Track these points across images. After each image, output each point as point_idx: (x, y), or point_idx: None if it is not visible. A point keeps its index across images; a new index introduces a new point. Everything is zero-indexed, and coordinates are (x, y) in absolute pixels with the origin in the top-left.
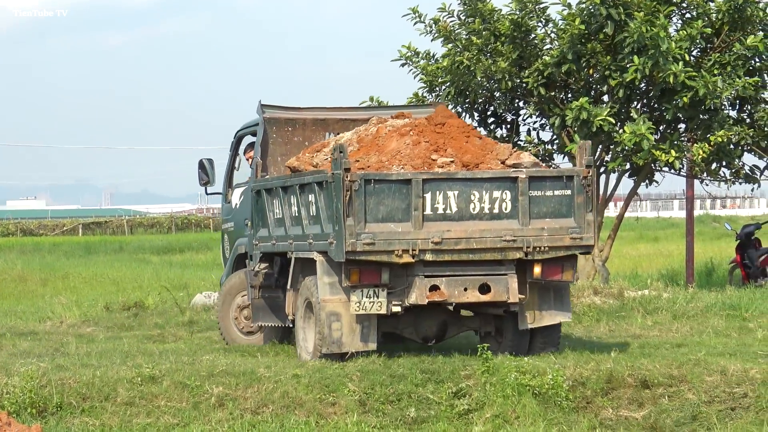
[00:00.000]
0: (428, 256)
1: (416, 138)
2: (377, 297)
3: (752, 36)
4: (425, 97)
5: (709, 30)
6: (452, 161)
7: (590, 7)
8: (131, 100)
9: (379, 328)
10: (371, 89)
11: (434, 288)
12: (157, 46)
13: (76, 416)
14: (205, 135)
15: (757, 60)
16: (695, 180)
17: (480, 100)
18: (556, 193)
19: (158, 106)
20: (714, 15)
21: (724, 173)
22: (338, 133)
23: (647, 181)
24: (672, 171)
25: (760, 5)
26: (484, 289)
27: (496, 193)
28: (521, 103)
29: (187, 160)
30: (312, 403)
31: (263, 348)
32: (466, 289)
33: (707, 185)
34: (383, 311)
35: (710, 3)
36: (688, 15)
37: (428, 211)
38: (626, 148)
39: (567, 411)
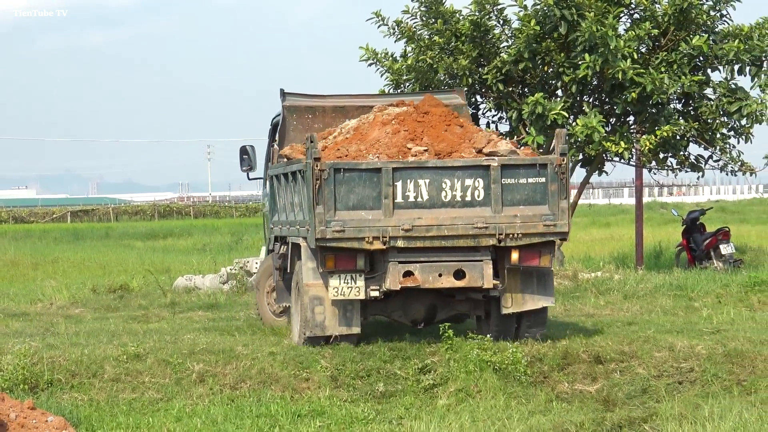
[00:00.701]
0: (399, 243)
1: (396, 127)
2: (355, 282)
3: (697, 36)
4: (391, 92)
5: (655, 31)
6: (426, 150)
7: (545, 8)
8: (115, 95)
9: (366, 311)
10: (340, 86)
11: (408, 273)
12: (140, 45)
13: (65, 392)
14: (186, 129)
15: (701, 59)
16: (644, 169)
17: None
18: (530, 180)
19: (141, 101)
20: (660, 16)
21: (670, 163)
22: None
23: (599, 170)
24: (622, 161)
25: (704, 7)
26: (459, 274)
27: (468, 181)
28: (480, 98)
29: (167, 151)
30: (287, 378)
31: (241, 326)
32: (440, 275)
33: (655, 174)
34: (361, 296)
35: (657, 5)
36: (636, 16)
37: (399, 198)
38: (579, 139)
39: (525, 385)
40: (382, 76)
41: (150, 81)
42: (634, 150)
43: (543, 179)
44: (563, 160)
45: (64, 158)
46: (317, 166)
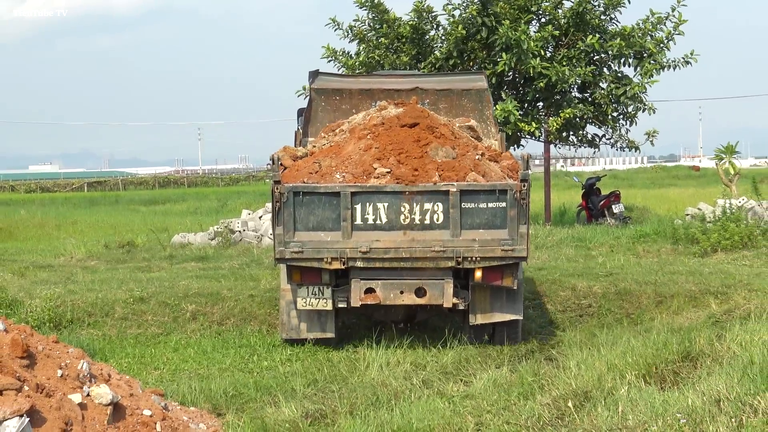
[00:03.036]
0: (359, 264)
1: (369, 143)
2: (322, 294)
3: (591, 36)
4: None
5: (557, 32)
6: (389, 172)
7: (469, 16)
8: (122, 87)
9: (347, 313)
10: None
11: (369, 290)
12: (141, 45)
13: (83, 329)
14: (180, 114)
15: (595, 54)
16: (551, 145)
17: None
18: (490, 205)
19: (143, 92)
20: (562, 21)
21: (572, 139)
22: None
23: (515, 146)
24: (533, 138)
25: (596, 12)
26: (420, 292)
27: (427, 205)
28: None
29: (166, 133)
30: (263, 316)
31: (226, 274)
32: (402, 292)
33: (560, 148)
34: (329, 308)
35: (559, 11)
36: (543, 20)
37: (358, 221)
38: (498, 121)
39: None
40: (339, 70)
41: (150, 75)
42: (543, 129)
43: (503, 204)
44: (523, 186)
45: (82, 139)
46: (277, 188)
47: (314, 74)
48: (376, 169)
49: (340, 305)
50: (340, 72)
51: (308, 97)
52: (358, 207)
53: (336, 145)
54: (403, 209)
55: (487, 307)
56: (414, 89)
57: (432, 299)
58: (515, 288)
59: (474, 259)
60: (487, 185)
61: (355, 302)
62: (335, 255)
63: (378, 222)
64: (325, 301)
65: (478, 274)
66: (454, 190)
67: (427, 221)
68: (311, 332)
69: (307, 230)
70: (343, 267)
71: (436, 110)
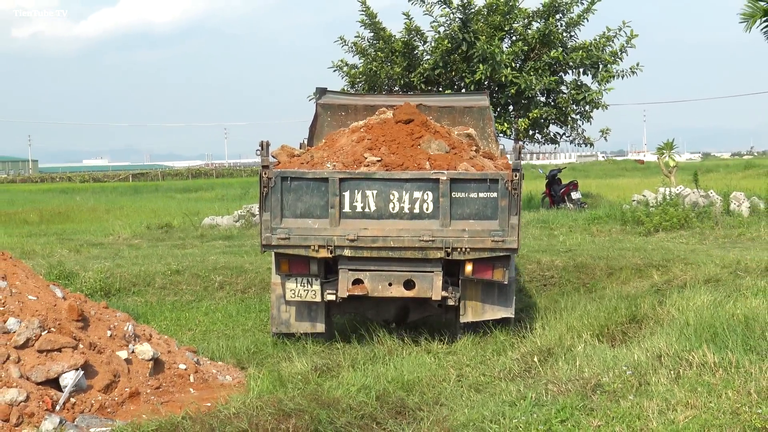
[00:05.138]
0: (346, 252)
1: (362, 135)
2: (311, 286)
3: (554, 50)
4: (349, 90)
5: (526, 48)
6: (379, 160)
7: (452, 33)
8: (160, 94)
9: (339, 309)
10: (315, 84)
11: (357, 281)
12: (176, 58)
13: (129, 296)
14: (210, 116)
15: (557, 66)
16: (520, 141)
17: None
18: (481, 195)
19: (178, 98)
20: (530, 38)
21: (538, 137)
22: None
23: None
24: (505, 136)
25: (559, 30)
26: (409, 285)
27: (417, 194)
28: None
29: (197, 132)
30: None
31: (248, 251)
32: (390, 284)
33: (527, 145)
34: (317, 299)
35: (528, 31)
36: (514, 38)
37: (346, 208)
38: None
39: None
40: (342, 78)
41: (183, 83)
42: (513, 128)
43: (494, 194)
44: (515, 176)
45: (127, 137)
46: (265, 173)
47: (322, 91)
48: (366, 158)
49: (328, 297)
50: (343, 80)
51: (314, 112)
52: (347, 194)
53: (333, 139)
54: (392, 197)
55: (479, 303)
56: (418, 105)
57: (420, 292)
58: (506, 283)
59: (463, 249)
60: (478, 174)
61: (343, 293)
62: (322, 243)
63: (366, 210)
64: (313, 292)
65: (469, 267)
66: (444, 178)
67: (417, 210)
68: (301, 327)
69: (294, 217)
70: (330, 255)
71: None
